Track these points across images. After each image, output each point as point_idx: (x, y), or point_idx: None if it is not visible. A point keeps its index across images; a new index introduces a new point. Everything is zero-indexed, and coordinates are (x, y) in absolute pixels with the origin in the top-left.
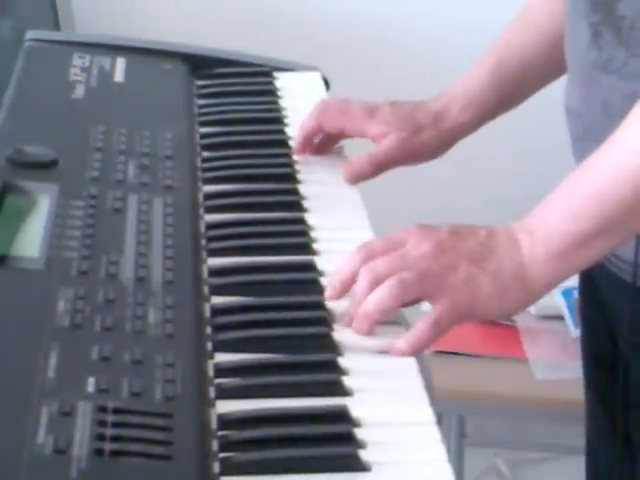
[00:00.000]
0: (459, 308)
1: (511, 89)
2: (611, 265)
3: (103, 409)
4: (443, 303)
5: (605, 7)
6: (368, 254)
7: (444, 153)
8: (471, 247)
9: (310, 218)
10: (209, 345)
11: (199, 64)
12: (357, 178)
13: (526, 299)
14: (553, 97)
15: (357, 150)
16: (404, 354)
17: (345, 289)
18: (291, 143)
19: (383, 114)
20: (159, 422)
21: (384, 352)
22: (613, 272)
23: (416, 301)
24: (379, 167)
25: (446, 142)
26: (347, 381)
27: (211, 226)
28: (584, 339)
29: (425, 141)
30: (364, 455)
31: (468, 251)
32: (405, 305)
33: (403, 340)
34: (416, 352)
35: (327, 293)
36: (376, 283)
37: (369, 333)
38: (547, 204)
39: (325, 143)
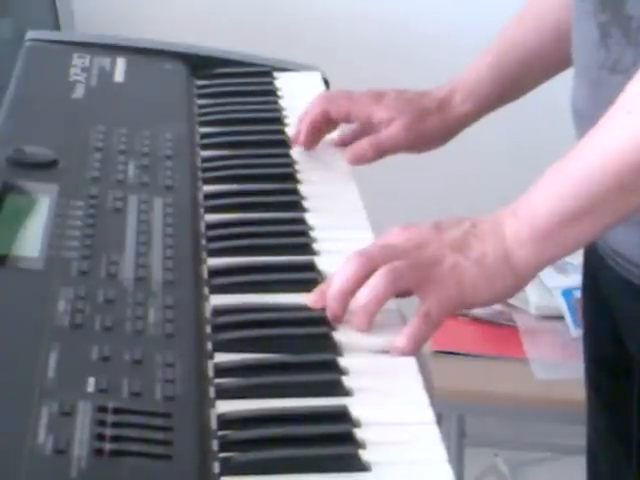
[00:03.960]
0: (448, 298)
1: (511, 81)
2: (618, 267)
3: (103, 409)
4: (432, 295)
5: (613, 7)
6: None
7: (446, 142)
8: (455, 237)
9: (310, 218)
10: (209, 345)
11: (199, 64)
12: (358, 161)
13: (515, 282)
14: (554, 92)
15: None
16: (404, 351)
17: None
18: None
19: (389, 99)
20: (159, 422)
21: (384, 352)
22: (623, 275)
23: (407, 293)
24: (381, 150)
25: (449, 130)
26: (347, 381)
27: (211, 226)
28: (586, 339)
29: (429, 127)
30: (364, 455)
31: (451, 241)
32: (397, 296)
33: (402, 336)
34: (416, 347)
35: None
36: (369, 267)
37: (369, 327)
38: (532, 189)
39: (322, 130)
